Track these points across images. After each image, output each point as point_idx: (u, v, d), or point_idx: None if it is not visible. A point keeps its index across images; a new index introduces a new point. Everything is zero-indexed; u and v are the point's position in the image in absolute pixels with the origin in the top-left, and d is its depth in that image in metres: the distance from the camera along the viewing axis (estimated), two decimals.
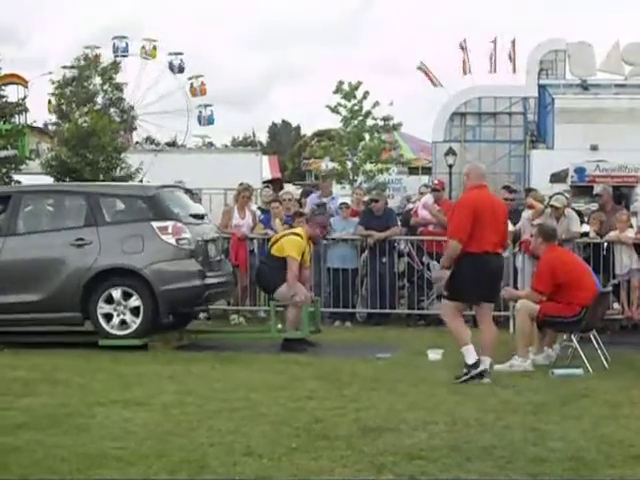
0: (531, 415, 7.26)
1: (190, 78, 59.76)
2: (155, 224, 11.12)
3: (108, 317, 10.96)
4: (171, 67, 60.15)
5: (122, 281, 10.99)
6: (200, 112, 59.04)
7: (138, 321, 10.91)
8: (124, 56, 57.21)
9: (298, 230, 11.74)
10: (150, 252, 11.03)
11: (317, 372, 9.25)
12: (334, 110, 38.21)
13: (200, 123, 59.19)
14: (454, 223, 9.29)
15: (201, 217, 12.23)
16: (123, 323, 10.96)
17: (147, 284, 10.90)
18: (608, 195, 14.19)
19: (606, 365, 9.81)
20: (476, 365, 8.84)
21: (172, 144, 54.57)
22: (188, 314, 12.38)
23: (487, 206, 9.15)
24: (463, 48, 42.73)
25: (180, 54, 60.30)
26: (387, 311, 13.92)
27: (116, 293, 10.94)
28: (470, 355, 8.91)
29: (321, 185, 17.59)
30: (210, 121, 59.72)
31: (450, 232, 9.38)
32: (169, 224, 11.16)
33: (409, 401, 7.75)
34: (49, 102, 46.27)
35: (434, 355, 10.20)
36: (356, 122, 38.25)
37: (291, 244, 11.36)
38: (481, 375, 8.83)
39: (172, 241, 11.09)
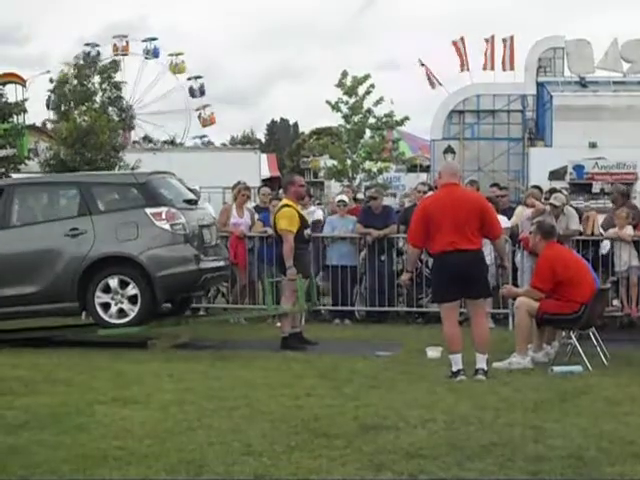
0: (530, 413, 7.25)
1: (189, 79, 59.43)
2: (149, 210, 11.10)
3: (106, 307, 10.95)
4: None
5: (118, 269, 10.96)
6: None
7: (136, 309, 10.90)
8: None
9: (285, 201, 11.71)
10: (145, 238, 11.01)
11: (316, 370, 9.25)
12: (334, 107, 36.99)
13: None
14: (409, 228, 9.78)
15: (194, 202, 12.22)
16: (121, 312, 10.95)
17: (143, 271, 10.88)
18: (617, 192, 14.21)
19: (605, 362, 9.81)
20: (456, 374, 8.89)
21: (171, 142, 54.49)
22: (186, 302, 12.39)
23: (443, 206, 9.01)
24: (458, 46, 42.63)
25: (181, 54, 59.97)
26: (386, 309, 13.91)
27: (113, 282, 10.93)
28: (454, 364, 8.97)
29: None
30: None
31: (407, 237, 10.13)
32: (163, 210, 11.13)
33: (408, 399, 7.74)
34: (48, 98, 46.06)
35: (433, 353, 10.19)
36: (357, 119, 37.51)
37: (283, 217, 11.31)
38: (456, 374, 8.93)
39: (166, 227, 11.06)
